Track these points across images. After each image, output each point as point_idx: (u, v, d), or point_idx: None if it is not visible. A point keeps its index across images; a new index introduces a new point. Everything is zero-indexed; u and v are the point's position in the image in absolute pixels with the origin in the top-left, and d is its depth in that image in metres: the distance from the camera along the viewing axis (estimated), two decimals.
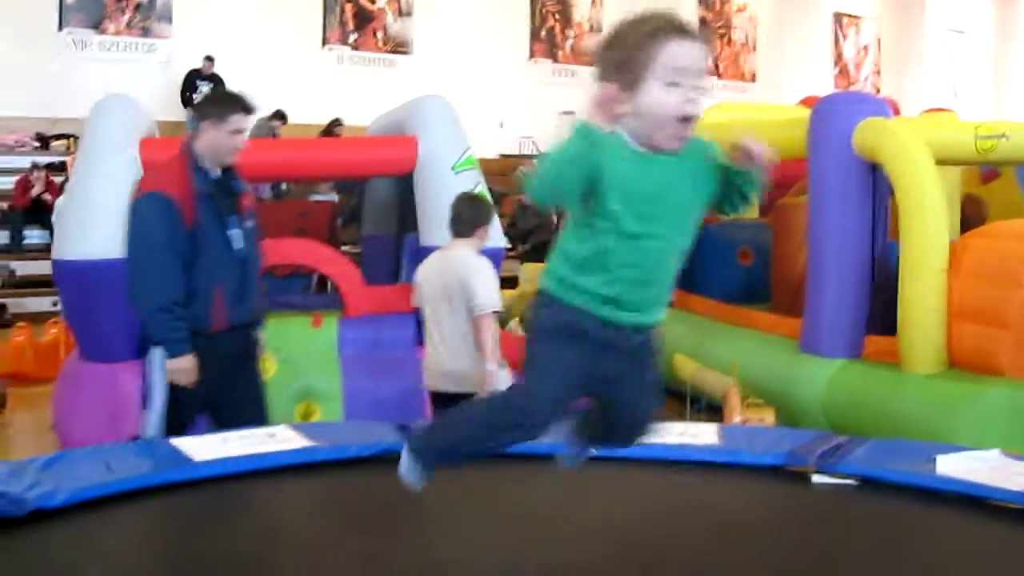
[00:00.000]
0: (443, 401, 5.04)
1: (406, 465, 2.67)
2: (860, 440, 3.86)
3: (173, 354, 4.50)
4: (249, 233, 4.71)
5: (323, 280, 9.30)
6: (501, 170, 15.14)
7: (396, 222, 7.98)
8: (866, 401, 6.64)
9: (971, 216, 8.41)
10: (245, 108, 4.66)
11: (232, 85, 14.65)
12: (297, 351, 6.48)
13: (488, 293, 4.99)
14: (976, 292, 6.54)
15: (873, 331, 7.09)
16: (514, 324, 9.16)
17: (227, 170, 4.67)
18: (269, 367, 6.31)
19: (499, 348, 4.99)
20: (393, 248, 8.00)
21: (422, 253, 6.71)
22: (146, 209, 4.53)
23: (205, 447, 3.70)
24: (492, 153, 16.04)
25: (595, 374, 2.41)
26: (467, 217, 5.19)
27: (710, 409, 7.09)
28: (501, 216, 7.26)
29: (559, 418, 2.49)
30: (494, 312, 5.00)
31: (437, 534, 3.18)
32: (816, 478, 3.54)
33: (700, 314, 8.78)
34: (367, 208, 8.60)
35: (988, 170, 10.45)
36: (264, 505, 3.40)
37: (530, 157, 16.25)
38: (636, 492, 3.39)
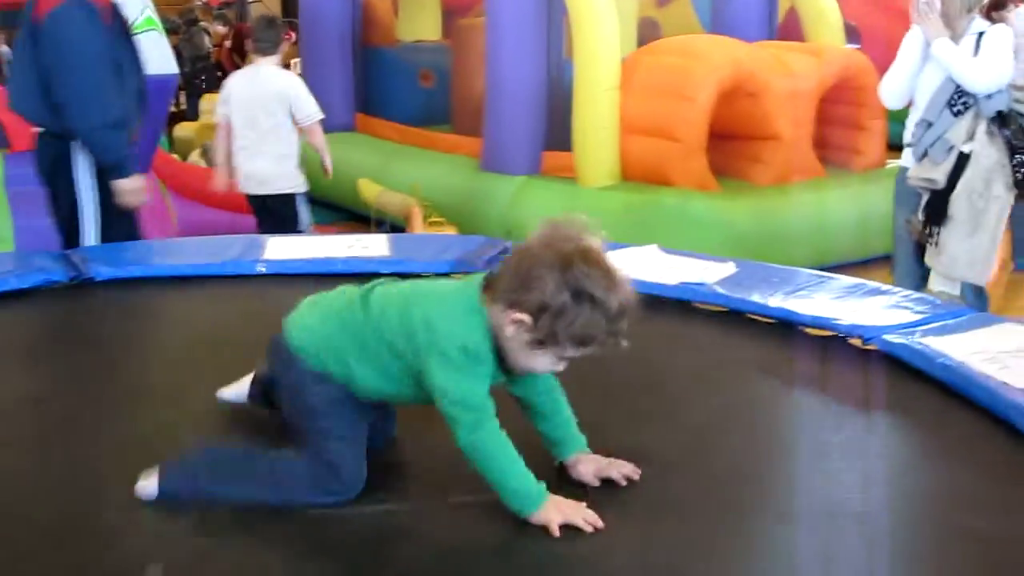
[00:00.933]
0: (256, 202, 5.81)
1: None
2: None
3: (126, 174, 4.30)
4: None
5: None
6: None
7: None
8: (546, 215, 6.79)
9: (647, 38, 8.63)
10: None
11: None
12: None
13: (311, 104, 5.73)
14: (646, 107, 6.76)
15: (550, 148, 7.24)
16: (195, 156, 8.92)
17: None
18: None
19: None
20: None
21: None
22: (75, 18, 4.16)
23: None
24: None
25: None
26: (269, 37, 5.80)
27: (395, 230, 7.13)
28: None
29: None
30: (319, 120, 5.79)
31: (102, 366, 3.08)
32: None
33: (382, 137, 8.75)
34: None
35: None
36: None
37: None
38: None
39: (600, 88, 6.76)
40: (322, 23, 9.23)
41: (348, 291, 2.23)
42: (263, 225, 5.78)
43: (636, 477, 2.17)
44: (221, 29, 13.93)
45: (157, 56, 6.45)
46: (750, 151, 7.00)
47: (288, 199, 5.74)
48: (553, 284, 1.93)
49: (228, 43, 13.19)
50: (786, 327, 3.15)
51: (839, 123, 7.44)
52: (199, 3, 15.35)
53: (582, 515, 2.00)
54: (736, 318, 3.25)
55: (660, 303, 3.40)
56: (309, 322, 2.22)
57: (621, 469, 2.18)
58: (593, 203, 6.67)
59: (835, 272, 3.61)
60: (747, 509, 2.11)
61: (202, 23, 14.10)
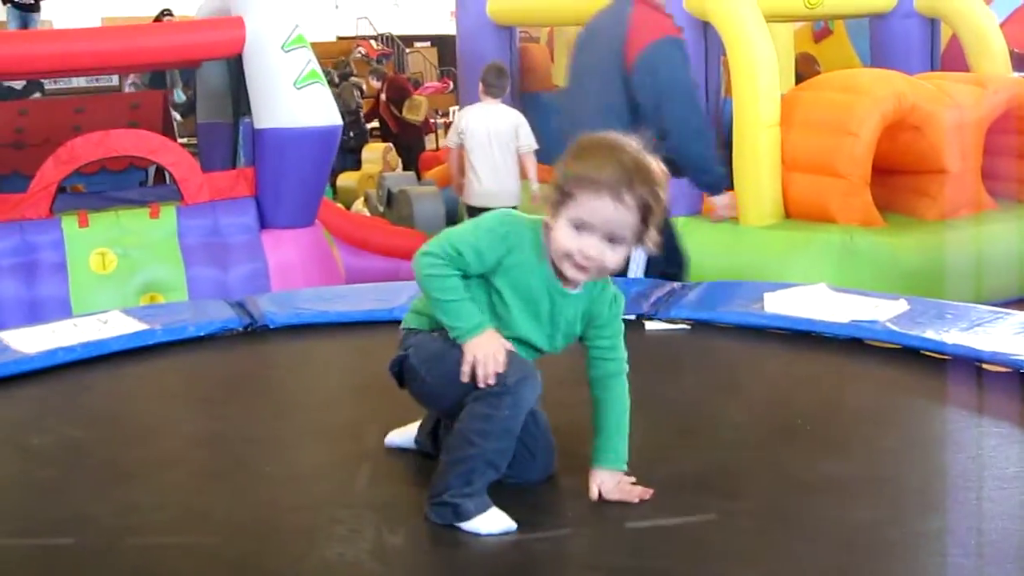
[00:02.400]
0: (478, 215, 6.25)
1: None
2: (692, 285, 3.92)
3: (722, 190, 4.98)
4: None
5: (161, 173, 9.10)
6: (337, 52, 14.88)
7: (230, 108, 7.81)
8: (707, 256, 6.74)
9: (805, 74, 8.55)
10: None
11: None
12: (136, 244, 6.33)
13: (530, 136, 7.23)
14: (807, 143, 6.67)
15: None
16: (359, 204, 9.10)
17: None
18: (108, 263, 6.19)
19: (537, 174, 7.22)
20: (229, 134, 7.85)
21: (258, 136, 6.60)
22: (672, 54, 4.69)
23: (33, 338, 3.58)
24: (329, 35, 15.71)
25: None
26: (500, 83, 7.22)
27: None
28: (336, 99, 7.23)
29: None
30: (534, 150, 7.24)
31: (279, 408, 3.15)
32: (649, 325, 3.60)
33: (541, 181, 8.78)
34: (200, 96, 8.39)
35: (820, 28, 10.62)
36: (99, 392, 3.30)
37: (364, 37, 15.97)
38: None
39: (760, 125, 6.70)
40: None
41: None
42: None
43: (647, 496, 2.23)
44: (375, 84, 14.08)
45: (321, 107, 6.61)
46: (916, 185, 6.85)
47: None
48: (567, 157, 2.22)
49: (383, 95, 13.39)
50: (964, 364, 3.07)
51: (1008, 154, 7.23)
52: (358, 55, 15.64)
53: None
54: (911, 355, 3.18)
55: (832, 342, 3.37)
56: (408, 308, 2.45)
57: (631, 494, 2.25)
58: (756, 242, 6.60)
59: (1011, 308, 3.51)
60: (933, 540, 2.09)
61: (353, 78, 14.33)
